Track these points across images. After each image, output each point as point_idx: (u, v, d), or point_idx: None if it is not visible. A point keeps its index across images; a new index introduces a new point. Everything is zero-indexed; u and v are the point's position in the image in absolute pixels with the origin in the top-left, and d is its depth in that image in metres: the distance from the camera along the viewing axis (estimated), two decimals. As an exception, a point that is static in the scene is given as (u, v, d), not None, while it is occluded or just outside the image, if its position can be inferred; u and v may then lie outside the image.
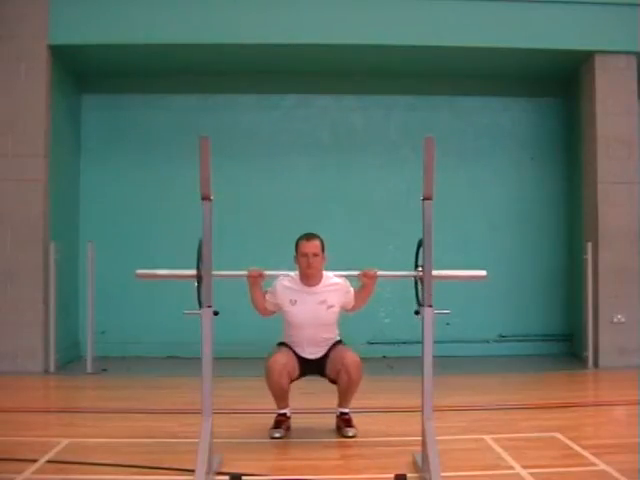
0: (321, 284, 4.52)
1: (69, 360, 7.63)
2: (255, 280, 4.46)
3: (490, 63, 7.97)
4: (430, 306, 3.77)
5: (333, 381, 4.57)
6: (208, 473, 3.53)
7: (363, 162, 8.35)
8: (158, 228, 8.23)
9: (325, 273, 4.54)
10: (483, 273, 4.10)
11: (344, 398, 4.59)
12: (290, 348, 4.57)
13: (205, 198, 3.80)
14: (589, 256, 7.53)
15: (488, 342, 8.40)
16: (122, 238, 8.14)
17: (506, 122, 8.60)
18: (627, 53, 7.50)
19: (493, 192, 8.40)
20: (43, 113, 7.17)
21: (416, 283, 4.04)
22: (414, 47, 7.39)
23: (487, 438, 4.41)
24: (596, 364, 7.43)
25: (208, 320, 3.76)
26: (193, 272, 3.80)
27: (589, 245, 7.56)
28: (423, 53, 7.60)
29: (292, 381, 4.55)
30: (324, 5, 7.30)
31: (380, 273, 4.41)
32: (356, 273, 4.43)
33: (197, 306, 3.78)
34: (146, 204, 8.06)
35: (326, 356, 4.56)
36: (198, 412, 3.79)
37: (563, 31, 7.40)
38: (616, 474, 3.65)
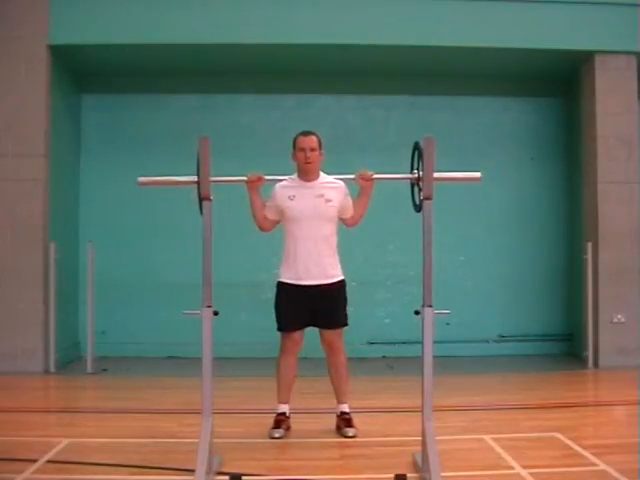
0: (319, 180, 4.59)
1: (69, 360, 7.63)
2: (254, 185, 4.52)
3: (490, 63, 7.97)
4: (430, 306, 3.77)
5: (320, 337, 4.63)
6: (208, 473, 3.53)
7: (363, 162, 8.32)
8: (158, 228, 8.23)
9: (323, 173, 4.61)
10: (477, 175, 4.14)
11: (339, 390, 4.64)
12: (290, 300, 4.50)
13: (205, 198, 3.81)
14: (589, 256, 7.53)
15: (488, 342, 8.40)
16: (122, 238, 8.14)
17: (506, 122, 8.60)
18: (627, 53, 7.50)
19: (493, 192, 8.39)
20: (43, 113, 7.16)
21: (412, 186, 4.07)
22: (414, 47, 7.39)
23: (487, 438, 4.41)
24: (596, 364, 7.43)
25: (208, 320, 3.76)
26: (194, 178, 3.83)
27: (589, 245, 7.56)
28: (423, 53, 7.60)
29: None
30: (324, 5, 7.30)
31: (376, 176, 4.47)
32: (352, 177, 4.48)
33: (197, 307, 3.78)
34: (146, 204, 8.05)
35: (325, 303, 4.50)
36: (198, 412, 3.79)
37: (563, 31, 7.40)
38: (616, 474, 3.65)
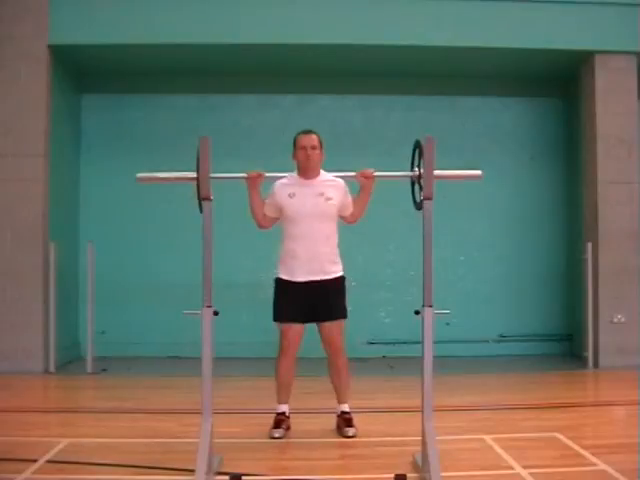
0: (319, 178, 4.57)
1: (69, 360, 7.63)
2: (254, 181, 4.49)
3: (490, 63, 7.97)
4: (430, 306, 3.77)
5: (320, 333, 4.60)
6: (208, 473, 3.53)
7: (363, 162, 8.32)
8: (158, 228, 8.23)
9: (323, 172, 4.60)
10: (478, 172, 4.13)
11: (340, 391, 4.63)
12: (289, 296, 4.49)
13: (205, 198, 3.80)
14: (589, 256, 7.53)
15: (488, 342, 8.40)
16: (122, 238, 8.14)
17: (506, 122, 8.60)
18: (627, 53, 7.50)
19: (493, 192, 8.39)
20: (43, 113, 7.17)
21: (412, 184, 4.05)
22: (414, 47, 7.39)
23: (487, 438, 4.41)
24: (596, 364, 7.43)
25: (208, 320, 3.76)
26: (193, 174, 3.83)
27: (589, 245, 7.56)
28: (423, 53, 7.60)
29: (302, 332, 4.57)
30: (324, 5, 7.30)
31: (377, 173, 4.45)
32: (353, 174, 4.46)
33: (197, 307, 3.78)
34: (146, 204, 8.05)
35: (324, 299, 4.48)
36: (198, 412, 3.79)
37: (563, 31, 7.40)
38: (616, 474, 3.65)
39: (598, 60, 7.54)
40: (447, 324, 7.74)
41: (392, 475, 3.48)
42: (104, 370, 7.19)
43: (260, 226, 4.66)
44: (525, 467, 3.79)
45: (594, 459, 3.94)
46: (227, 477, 3.53)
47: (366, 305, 7.93)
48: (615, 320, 7.43)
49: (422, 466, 3.68)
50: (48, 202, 7.22)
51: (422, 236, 3.84)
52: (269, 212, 4.60)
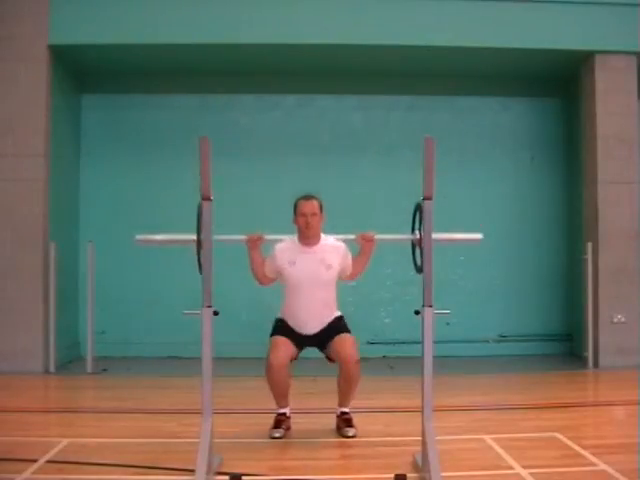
0: (320, 244, 4.54)
1: (69, 360, 7.63)
2: (254, 244, 4.45)
3: (490, 63, 7.97)
4: (430, 306, 3.77)
5: (330, 359, 4.56)
6: (208, 473, 3.53)
7: (363, 162, 8.36)
8: (158, 228, 8.19)
9: (324, 235, 4.56)
10: (479, 236, 4.10)
11: (345, 397, 4.59)
12: (287, 328, 4.52)
13: (205, 198, 3.80)
14: (589, 256, 7.53)
15: (488, 342, 8.41)
16: (122, 238, 8.11)
17: (506, 122, 8.60)
18: (627, 53, 7.50)
19: (493, 192, 8.40)
20: (43, 113, 7.17)
21: (413, 247, 4.03)
22: (414, 47, 7.39)
23: (487, 438, 4.41)
24: (596, 364, 7.43)
25: (208, 320, 3.76)
26: (193, 236, 3.79)
27: (589, 245, 7.56)
28: (423, 53, 7.60)
29: (293, 360, 4.52)
30: (324, 5, 7.31)
31: (378, 237, 4.40)
32: (353, 237, 4.43)
33: (197, 306, 3.78)
34: (146, 204, 8.06)
35: (326, 332, 4.51)
36: (198, 412, 3.79)
37: (563, 31, 7.40)
38: (616, 474, 3.65)
39: (598, 60, 7.54)
40: (447, 324, 7.74)
41: (392, 475, 3.48)
42: (104, 370, 7.19)
43: (261, 284, 4.65)
44: (525, 467, 3.79)
45: (594, 459, 3.94)
46: (227, 477, 3.53)
47: (366, 305, 7.94)
48: (615, 320, 7.43)
49: (422, 466, 3.68)
50: (48, 202, 7.22)
51: (422, 236, 3.83)
52: (269, 273, 4.58)
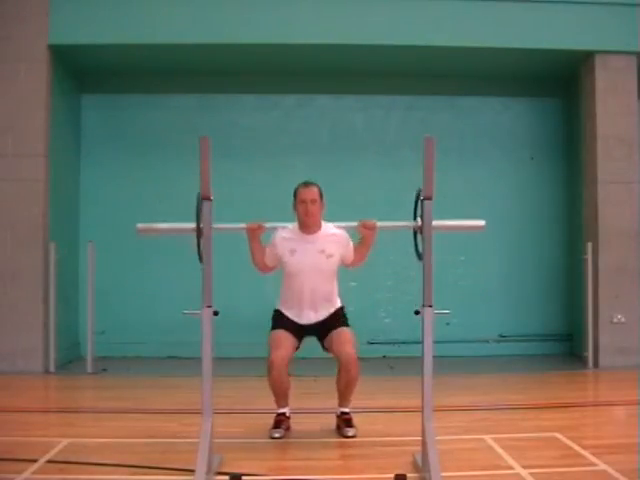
0: (320, 232, 4.52)
1: (69, 360, 7.63)
2: (254, 232, 4.44)
3: (490, 63, 7.97)
4: (430, 306, 3.77)
5: (325, 349, 4.55)
6: (208, 473, 3.53)
7: (363, 162, 8.36)
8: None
9: (324, 223, 4.54)
10: (481, 223, 4.07)
11: (344, 397, 4.58)
12: (286, 320, 4.51)
13: (205, 198, 3.81)
14: (589, 256, 7.52)
15: (488, 342, 8.41)
16: (122, 238, 8.12)
17: (506, 122, 8.60)
18: (627, 53, 7.50)
19: (493, 192, 8.40)
20: (43, 113, 7.17)
21: (415, 234, 4.00)
22: (414, 47, 7.39)
23: (487, 438, 4.41)
24: (596, 364, 7.43)
25: (208, 320, 3.76)
26: (193, 225, 3.79)
27: (589, 245, 7.56)
28: (423, 53, 7.60)
29: (296, 350, 4.52)
30: (324, 5, 7.30)
31: (379, 224, 4.37)
32: (355, 224, 4.39)
33: (197, 306, 3.78)
34: (146, 204, 8.05)
35: (325, 323, 4.50)
36: (198, 412, 3.79)
37: (563, 31, 7.40)
38: (616, 474, 3.65)
39: (598, 60, 7.54)
40: (447, 324, 7.75)
41: (392, 475, 3.48)
42: (104, 370, 7.19)
43: (261, 272, 4.64)
44: (525, 467, 3.79)
45: (594, 459, 3.93)
46: (227, 477, 3.53)
47: (366, 305, 7.94)
48: (615, 320, 7.43)
49: (422, 466, 3.68)
50: (48, 202, 7.22)
51: (422, 236, 3.83)
52: (269, 261, 4.57)
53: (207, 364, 3.75)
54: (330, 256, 4.47)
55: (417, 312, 3.83)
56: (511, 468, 3.81)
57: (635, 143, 7.56)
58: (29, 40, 7.08)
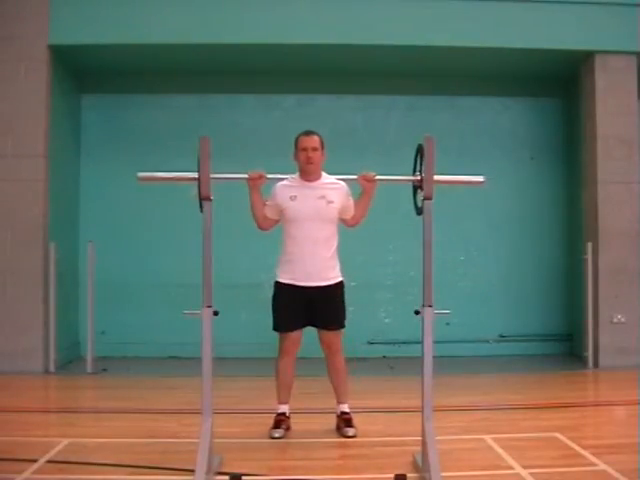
0: (321, 180, 4.57)
1: (69, 360, 7.63)
2: (255, 182, 4.48)
3: (490, 63, 7.97)
4: (430, 306, 3.77)
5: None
6: (208, 473, 3.53)
7: (363, 162, 8.32)
8: (158, 228, 8.22)
9: (325, 174, 4.59)
10: (480, 179, 4.14)
11: (338, 390, 4.64)
12: (289, 296, 4.49)
13: (205, 198, 3.81)
14: (589, 256, 7.52)
15: (488, 342, 8.40)
16: (122, 238, 8.14)
17: (506, 122, 8.60)
18: (627, 53, 7.50)
19: (493, 192, 8.38)
20: (43, 113, 7.16)
21: (414, 189, 4.04)
22: (414, 47, 7.39)
23: (487, 438, 4.41)
24: (596, 364, 7.43)
25: (208, 320, 3.76)
26: (194, 174, 3.81)
27: (589, 245, 7.56)
28: (423, 53, 7.60)
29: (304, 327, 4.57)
30: (324, 5, 7.30)
31: (378, 177, 4.43)
32: (354, 177, 4.45)
33: (197, 307, 3.78)
34: (146, 204, 8.05)
35: (323, 299, 4.48)
36: (198, 412, 3.79)
37: (563, 31, 7.40)
38: (616, 474, 3.65)
39: (598, 60, 7.54)
40: (447, 324, 7.74)
41: (392, 475, 3.48)
42: (104, 370, 7.19)
43: (260, 228, 4.66)
44: (525, 467, 3.79)
45: (594, 459, 3.94)
46: (227, 477, 3.54)
47: (366, 305, 7.92)
48: (615, 320, 7.43)
49: (422, 466, 3.68)
50: (48, 202, 7.22)
51: (422, 236, 3.84)
52: (270, 214, 4.59)
53: (207, 364, 3.75)
54: (330, 202, 4.49)
55: (417, 312, 3.83)
56: (511, 468, 3.82)
57: (635, 143, 7.55)
58: (29, 40, 7.08)
